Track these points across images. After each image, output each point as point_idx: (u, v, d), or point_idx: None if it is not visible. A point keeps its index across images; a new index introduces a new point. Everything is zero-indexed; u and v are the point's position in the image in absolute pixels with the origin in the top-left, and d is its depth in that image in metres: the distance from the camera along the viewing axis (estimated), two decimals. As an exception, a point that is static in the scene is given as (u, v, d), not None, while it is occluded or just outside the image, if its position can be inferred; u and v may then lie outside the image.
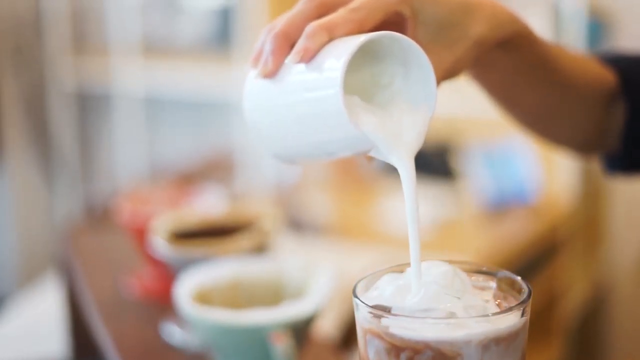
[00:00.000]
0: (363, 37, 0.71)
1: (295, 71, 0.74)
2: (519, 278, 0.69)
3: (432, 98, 0.73)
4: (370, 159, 0.77)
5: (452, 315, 0.64)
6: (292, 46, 0.75)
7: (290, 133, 0.77)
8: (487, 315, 0.63)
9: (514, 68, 0.91)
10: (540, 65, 0.92)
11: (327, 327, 1.75)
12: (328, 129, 0.72)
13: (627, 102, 1.00)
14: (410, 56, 0.73)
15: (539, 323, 2.65)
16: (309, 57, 0.73)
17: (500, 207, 2.72)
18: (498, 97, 0.98)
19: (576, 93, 0.99)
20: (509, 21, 0.84)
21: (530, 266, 2.58)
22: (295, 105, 0.75)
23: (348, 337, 1.83)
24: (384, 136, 0.72)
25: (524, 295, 0.66)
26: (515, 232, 2.63)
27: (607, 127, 1.03)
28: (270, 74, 0.76)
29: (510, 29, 0.84)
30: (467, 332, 0.62)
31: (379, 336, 0.64)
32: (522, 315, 0.65)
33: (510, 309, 0.64)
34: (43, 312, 2.02)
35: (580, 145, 1.08)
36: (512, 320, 0.64)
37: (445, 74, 0.80)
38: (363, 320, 0.66)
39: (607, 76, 1.00)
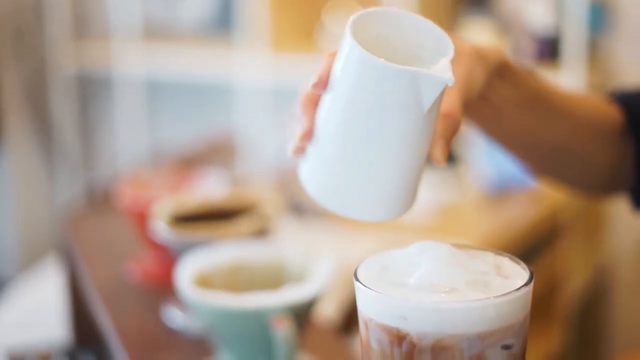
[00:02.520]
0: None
1: (328, 98, 0.76)
2: (520, 261, 0.69)
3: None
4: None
5: (453, 294, 0.63)
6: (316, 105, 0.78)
7: (364, 145, 0.76)
8: (489, 298, 0.63)
9: (513, 98, 0.91)
10: (537, 96, 0.93)
11: (328, 312, 1.75)
12: (382, 95, 0.72)
13: (635, 138, 1.00)
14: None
15: (540, 307, 2.65)
16: (324, 72, 0.75)
17: (501, 191, 2.72)
18: (506, 138, 0.98)
19: (583, 130, 0.98)
20: (493, 51, 0.86)
21: (531, 250, 2.57)
22: (347, 107, 0.75)
23: (349, 321, 1.83)
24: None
25: (526, 279, 0.65)
26: (516, 217, 2.63)
27: (620, 165, 1.03)
28: (308, 131, 0.77)
29: (498, 57, 0.86)
30: (469, 314, 0.62)
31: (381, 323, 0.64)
32: (524, 298, 0.65)
33: (511, 292, 0.63)
34: (44, 297, 2.02)
35: (597, 185, 1.07)
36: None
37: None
38: (364, 305, 0.66)
39: (613, 113, 1.00)
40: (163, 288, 1.36)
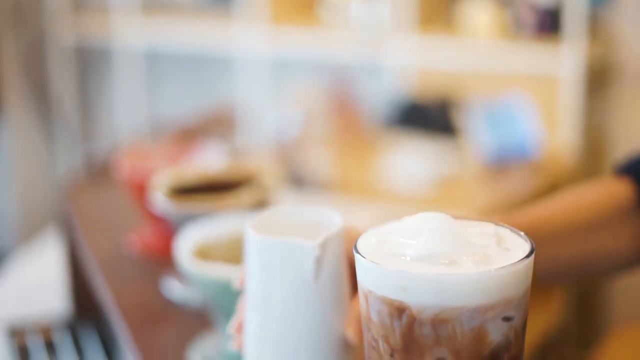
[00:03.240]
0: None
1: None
2: (522, 233, 0.68)
3: None
4: None
5: (453, 266, 0.63)
6: None
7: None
8: (490, 271, 0.62)
9: None
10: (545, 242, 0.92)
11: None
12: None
13: None
14: None
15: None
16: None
17: (501, 163, 2.71)
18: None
19: (596, 237, 0.97)
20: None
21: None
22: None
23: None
24: None
25: (527, 251, 0.65)
26: (517, 189, 2.62)
27: None
28: (239, 324, 0.85)
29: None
30: (469, 286, 0.62)
31: (381, 295, 0.64)
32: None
33: (513, 264, 0.63)
34: (44, 269, 2.02)
35: (631, 260, 1.04)
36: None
37: None
38: (364, 277, 0.65)
39: (623, 193, 0.99)
40: (162, 260, 1.36)
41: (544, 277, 0.96)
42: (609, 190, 1.00)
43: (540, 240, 0.92)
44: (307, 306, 0.79)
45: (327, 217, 0.84)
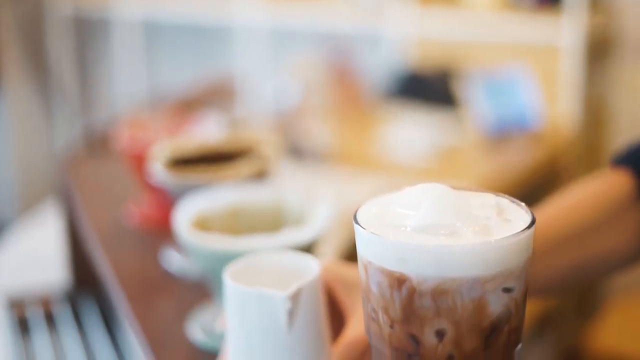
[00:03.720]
0: None
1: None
2: (523, 204, 0.67)
3: None
4: None
5: (453, 237, 0.62)
6: None
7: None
8: (490, 242, 0.62)
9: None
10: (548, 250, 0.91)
11: (327, 255, 1.75)
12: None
13: None
14: None
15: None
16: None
17: (501, 134, 2.71)
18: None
19: (595, 239, 0.95)
20: None
21: (531, 194, 2.57)
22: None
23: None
24: None
25: (528, 222, 0.64)
26: (517, 160, 2.62)
27: None
28: None
29: None
30: (470, 257, 0.61)
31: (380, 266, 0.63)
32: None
33: (513, 235, 0.62)
34: (43, 240, 2.02)
35: (631, 258, 1.01)
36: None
37: None
38: (364, 248, 0.65)
39: (621, 187, 0.96)
40: (161, 231, 1.36)
41: (543, 287, 0.95)
42: (606, 187, 0.98)
43: (540, 249, 0.91)
44: (283, 353, 0.80)
45: (306, 263, 0.84)
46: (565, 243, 0.94)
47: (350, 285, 0.84)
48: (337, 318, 0.86)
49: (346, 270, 0.86)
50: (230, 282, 0.81)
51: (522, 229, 0.63)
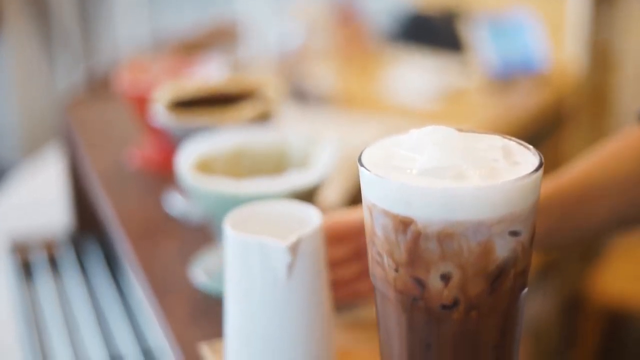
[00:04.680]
0: None
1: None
2: (530, 147, 0.66)
3: None
4: None
5: (459, 179, 0.61)
6: None
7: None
8: (497, 184, 0.61)
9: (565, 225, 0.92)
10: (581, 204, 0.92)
11: (331, 198, 1.74)
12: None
13: None
14: None
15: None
16: None
17: (507, 77, 2.69)
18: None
19: (635, 178, 0.95)
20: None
21: (536, 137, 2.55)
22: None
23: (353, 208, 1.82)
24: None
25: (536, 165, 0.63)
26: (522, 103, 2.60)
27: None
28: None
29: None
30: (477, 200, 0.60)
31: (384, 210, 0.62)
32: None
33: (521, 178, 0.61)
34: (46, 183, 2.01)
35: None
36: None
37: None
38: (368, 191, 0.64)
39: None
40: (164, 174, 1.35)
41: (583, 235, 0.95)
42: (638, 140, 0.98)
43: (586, 197, 0.92)
44: (281, 304, 0.80)
45: (307, 213, 0.84)
46: (612, 187, 0.95)
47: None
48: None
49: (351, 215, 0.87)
50: (230, 230, 0.80)
51: (530, 171, 0.62)
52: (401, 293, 0.64)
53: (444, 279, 0.62)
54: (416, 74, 2.70)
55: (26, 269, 1.66)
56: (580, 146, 2.86)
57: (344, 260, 0.90)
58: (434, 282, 0.62)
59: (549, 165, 0.63)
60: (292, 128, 1.13)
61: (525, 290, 0.66)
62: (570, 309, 2.92)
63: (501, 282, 0.63)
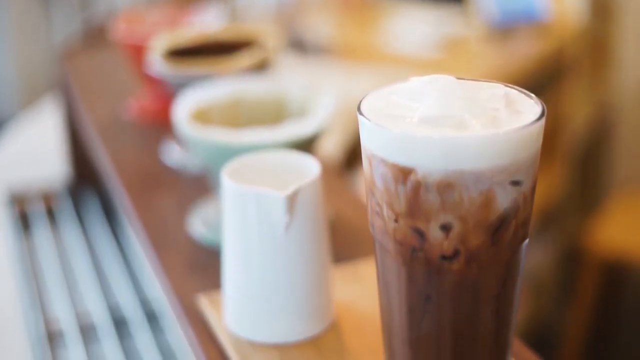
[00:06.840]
0: None
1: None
2: (533, 95, 0.65)
3: None
4: None
5: (460, 128, 0.60)
6: None
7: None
8: (499, 133, 0.59)
9: None
10: None
11: (330, 148, 1.73)
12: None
13: None
14: None
15: (543, 145, 2.63)
16: None
17: (508, 25, 2.67)
18: None
19: None
20: None
21: (537, 86, 2.54)
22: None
23: (352, 158, 1.82)
24: None
25: (538, 113, 0.62)
26: (523, 52, 2.59)
27: None
28: None
29: None
30: (478, 149, 0.59)
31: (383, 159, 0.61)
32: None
33: (523, 127, 0.60)
34: (44, 135, 2.00)
35: None
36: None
37: None
38: (368, 140, 0.63)
39: None
40: (161, 125, 1.34)
41: None
42: None
43: None
44: (280, 255, 0.79)
45: (306, 163, 0.83)
46: None
47: None
48: None
49: None
50: (228, 181, 0.79)
51: (532, 120, 0.61)
52: (400, 244, 0.63)
53: (444, 230, 0.61)
54: (415, 23, 2.68)
55: (24, 221, 1.65)
56: (580, 95, 2.85)
57: None
58: (434, 233, 0.61)
59: (550, 114, 0.62)
60: (291, 77, 1.12)
61: (526, 241, 0.65)
62: (570, 260, 2.93)
63: (502, 233, 0.62)
